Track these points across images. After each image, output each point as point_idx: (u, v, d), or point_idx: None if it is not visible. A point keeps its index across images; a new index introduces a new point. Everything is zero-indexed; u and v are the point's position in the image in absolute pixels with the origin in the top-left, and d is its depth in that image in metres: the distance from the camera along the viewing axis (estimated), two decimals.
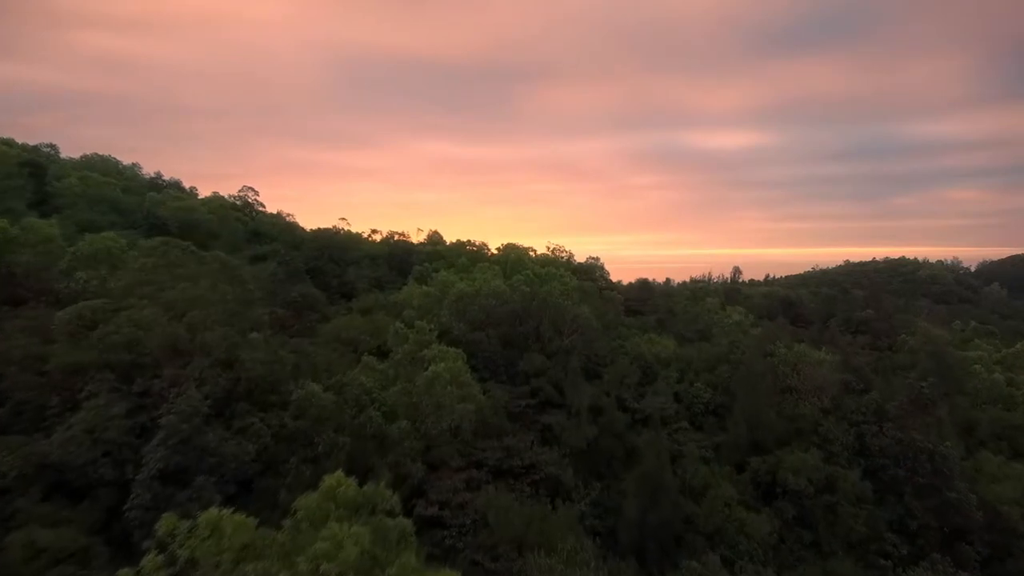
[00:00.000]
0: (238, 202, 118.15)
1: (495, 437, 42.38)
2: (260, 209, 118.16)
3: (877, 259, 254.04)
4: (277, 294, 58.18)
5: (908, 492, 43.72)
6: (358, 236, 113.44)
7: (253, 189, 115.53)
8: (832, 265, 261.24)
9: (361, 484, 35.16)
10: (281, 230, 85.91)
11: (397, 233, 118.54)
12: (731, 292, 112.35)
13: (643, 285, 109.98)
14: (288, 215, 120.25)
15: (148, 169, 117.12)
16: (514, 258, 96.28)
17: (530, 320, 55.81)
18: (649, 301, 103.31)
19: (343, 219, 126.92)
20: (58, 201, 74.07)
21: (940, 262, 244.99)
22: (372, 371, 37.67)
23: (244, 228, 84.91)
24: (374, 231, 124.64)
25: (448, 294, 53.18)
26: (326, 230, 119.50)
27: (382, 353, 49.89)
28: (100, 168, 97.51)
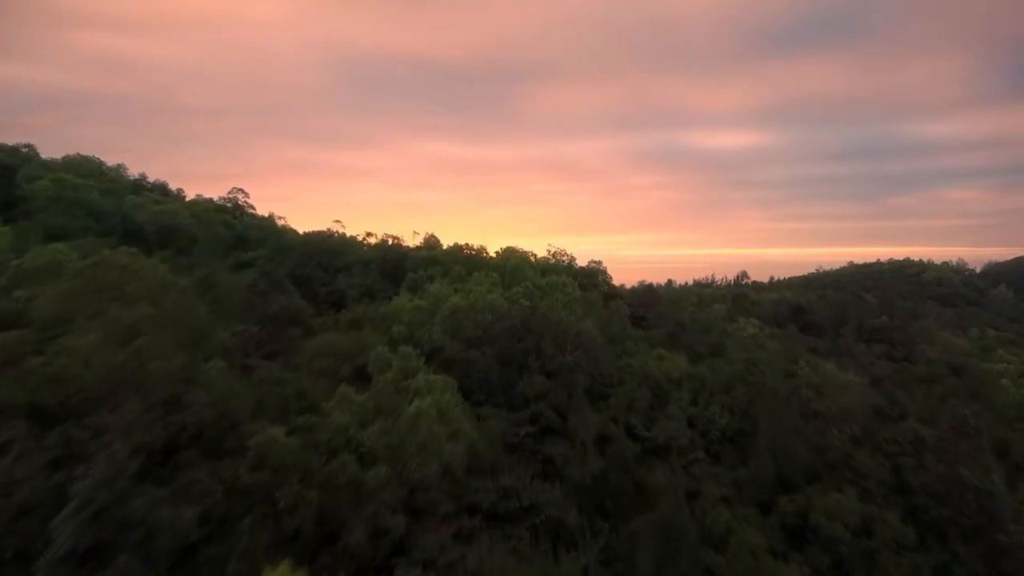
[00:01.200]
0: (228, 204, 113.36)
1: (489, 475, 37.23)
2: (251, 212, 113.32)
3: (881, 260, 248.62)
4: (257, 307, 53.05)
5: (953, 535, 38.60)
6: (351, 240, 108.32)
7: (243, 191, 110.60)
8: (836, 266, 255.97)
9: (333, 541, 30.16)
10: (269, 234, 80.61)
11: (392, 236, 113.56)
12: (738, 298, 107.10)
13: (647, 291, 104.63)
14: (280, 217, 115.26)
15: (150, 170, 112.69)
16: (513, 264, 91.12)
17: (530, 336, 50.66)
18: (655, 308, 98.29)
19: (337, 221, 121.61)
20: (29, 205, 68.97)
21: (945, 263, 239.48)
22: (349, 404, 32.49)
23: (230, 232, 79.61)
24: (369, 234, 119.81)
25: (441, 308, 48.03)
26: (319, 233, 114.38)
27: (365, 376, 44.84)
28: (81, 169, 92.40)
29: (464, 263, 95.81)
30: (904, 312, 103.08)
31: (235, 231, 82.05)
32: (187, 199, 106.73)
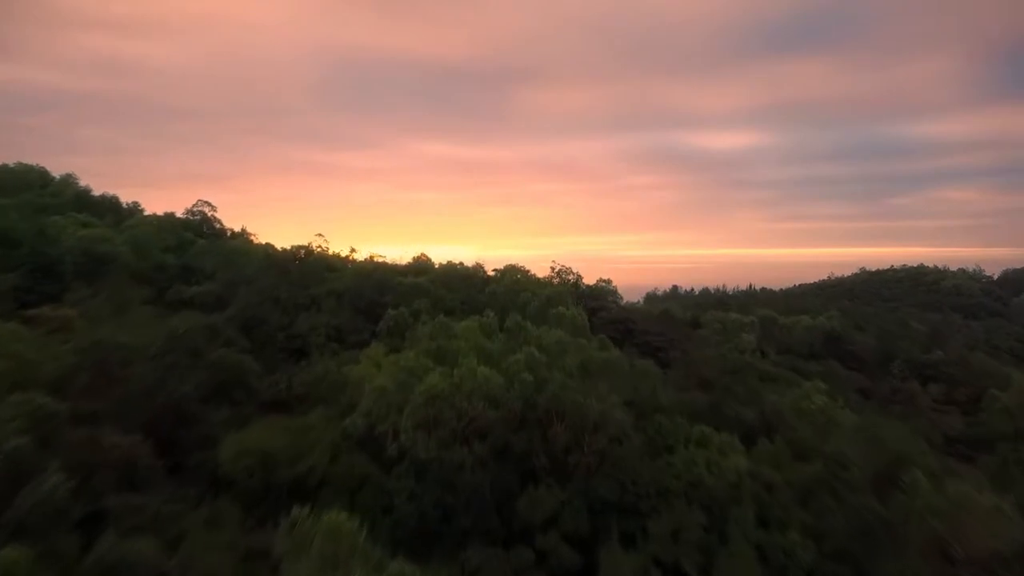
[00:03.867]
0: (196, 217, 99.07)
1: None
2: (219, 226, 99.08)
3: (895, 267, 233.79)
4: (167, 382, 38.73)
5: None
6: (332, 257, 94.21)
7: (209, 203, 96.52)
8: (847, 273, 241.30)
9: None
10: (226, 260, 66.04)
11: (377, 256, 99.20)
12: (768, 324, 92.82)
13: (665, 318, 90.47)
14: (251, 235, 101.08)
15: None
16: (511, 292, 77.11)
17: (535, 425, 36.63)
18: (676, 341, 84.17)
19: (319, 235, 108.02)
20: None
21: (962, 270, 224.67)
22: None
23: (176, 259, 65.22)
24: (353, 250, 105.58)
25: (415, 392, 33.90)
26: (290, 253, 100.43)
27: (303, 490, 30.85)
28: (18, 180, 78.44)
29: (455, 287, 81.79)
30: (957, 341, 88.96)
31: (185, 257, 67.60)
32: (147, 213, 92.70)
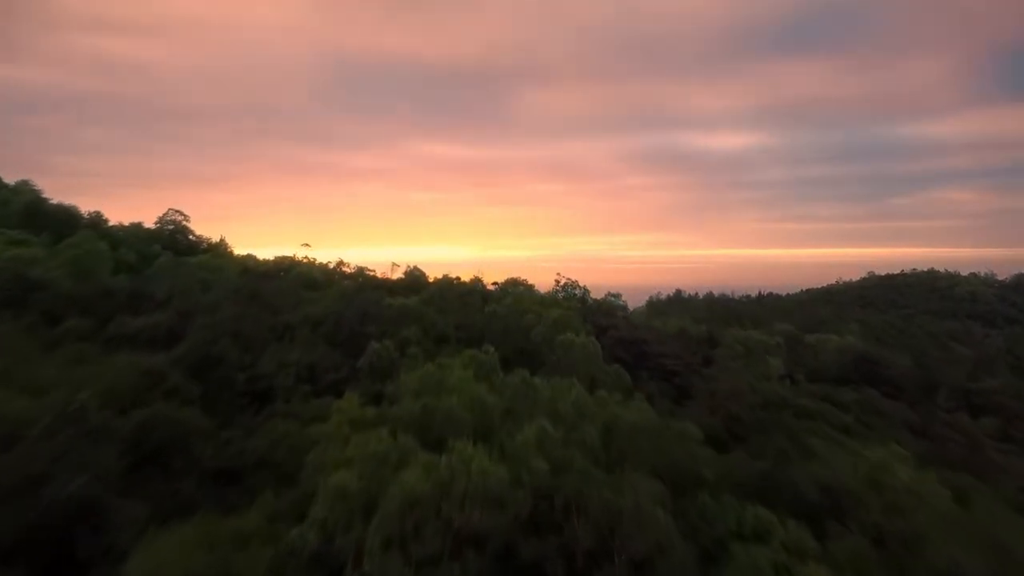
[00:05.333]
0: (168, 227, 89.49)
1: None
2: (193, 238, 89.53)
3: (906, 271, 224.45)
4: (84, 452, 29.48)
5: None
6: (313, 272, 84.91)
7: (181, 212, 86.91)
8: (852, 275, 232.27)
9: None
10: (185, 281, 56.39)
11: (367, 269, 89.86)
12: (794, 345, 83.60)
13: (682, 338, 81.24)
14: (228, 247, 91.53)
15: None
16: (513, 310, 68.10)
17: (550, 526, 27.36)
18: (694, 365, 75.08)
19: (306, 244, 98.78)
20: None
21: (973, 275, 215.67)
22: None
23: (124, 283, 55.52)
24: (341, 263, 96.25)
25: (388, 491, 24.59)
26: (278, 263, 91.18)
27: None
28: None
29: (450, 307, 72.53)
30: (1003, 365, 79.53)
31: (140, 279, 58.00)
32: (110, 224, 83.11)
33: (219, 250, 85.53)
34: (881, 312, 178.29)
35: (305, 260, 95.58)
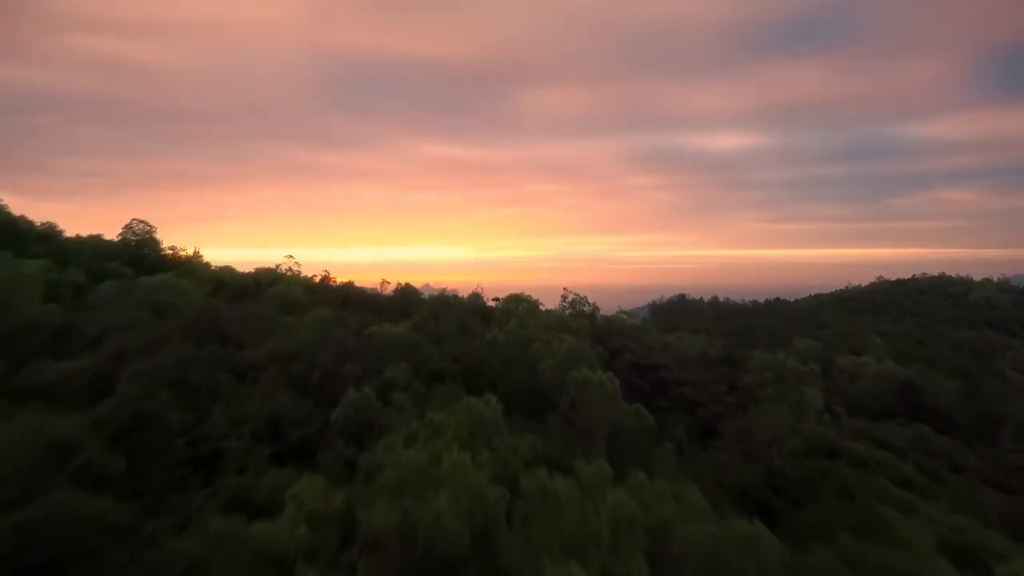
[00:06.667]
0: (134, 239, 79.81)
1: None
2: (163, 252, 79.91)
3: (916, 276, 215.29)
4: None
5: None
6: (296, 286, 75.46)
7: (145, 222, 77.00)
8: (861, 279, 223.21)
9: None
10: (127, 312, 46.73)
11: (355, 284, 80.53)
12: (828, 368, 74.46)
13: (699, 365, 71.98)
14: (205, 261, 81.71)
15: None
16: (518, 340, 58.96)
17: None
18: (718, 396, 65.92)
19: (289, 256, 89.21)
20: None
21: (987, 280, 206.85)
22: None
23: (55, 313, 45.83)
24: (327, 275, 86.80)
25: None
26: (257, 275, 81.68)
27: None
28: None
29: (446, 335, 63.31)
30: None
31: (78, 309, 48.37)
32: (69, 236, 73.61)
33: (189, 265, 75.97)
34: (896, 320, 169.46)
35: (289, 272, 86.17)
